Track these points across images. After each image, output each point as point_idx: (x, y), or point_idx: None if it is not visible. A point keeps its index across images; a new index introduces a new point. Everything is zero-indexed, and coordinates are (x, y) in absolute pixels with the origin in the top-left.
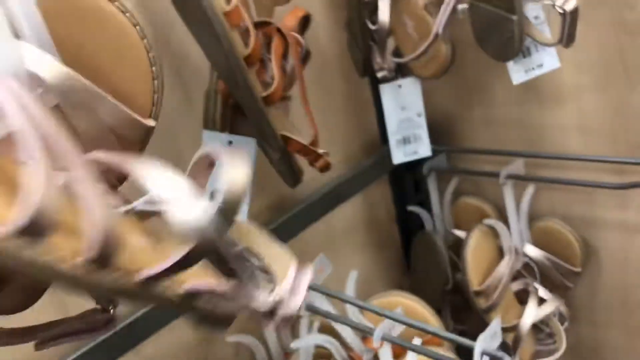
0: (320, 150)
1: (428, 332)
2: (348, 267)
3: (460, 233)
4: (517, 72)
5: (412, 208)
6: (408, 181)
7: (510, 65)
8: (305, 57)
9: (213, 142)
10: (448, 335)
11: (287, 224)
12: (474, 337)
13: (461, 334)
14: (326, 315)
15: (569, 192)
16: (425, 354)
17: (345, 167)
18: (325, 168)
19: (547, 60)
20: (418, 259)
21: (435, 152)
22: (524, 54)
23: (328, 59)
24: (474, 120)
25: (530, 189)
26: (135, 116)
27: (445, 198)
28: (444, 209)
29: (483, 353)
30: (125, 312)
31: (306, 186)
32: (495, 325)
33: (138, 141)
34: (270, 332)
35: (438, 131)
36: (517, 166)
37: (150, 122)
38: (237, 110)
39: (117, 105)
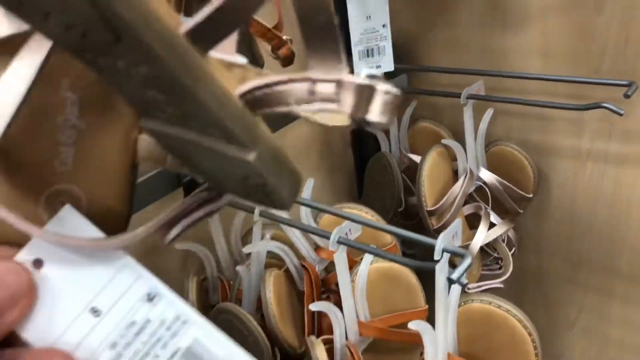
0: (284, 37)
1: (383, 230)
2: None
3: (415, 157)
4: None
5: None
6: None
7: None
8: None
9: None
10: (407, 234)
11: None
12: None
13: (410, 258)
14: (281, 220)
15: (525, 119)
16: (381, 256)
17: None
18: (289, 58)
19: None
20: (372, 180)
21: (397, 71)
22: None
23: None
24: (437, 42)
25: (489, 112)
26: None
27: (403, 120)
28: (401, 131)
29: (444, 250)
30: None
31: None
32: (456, 224)
33: None
34: (220, 240)
35: (400, 53)
36: (478, 87)
37: None
38: None
39: None
